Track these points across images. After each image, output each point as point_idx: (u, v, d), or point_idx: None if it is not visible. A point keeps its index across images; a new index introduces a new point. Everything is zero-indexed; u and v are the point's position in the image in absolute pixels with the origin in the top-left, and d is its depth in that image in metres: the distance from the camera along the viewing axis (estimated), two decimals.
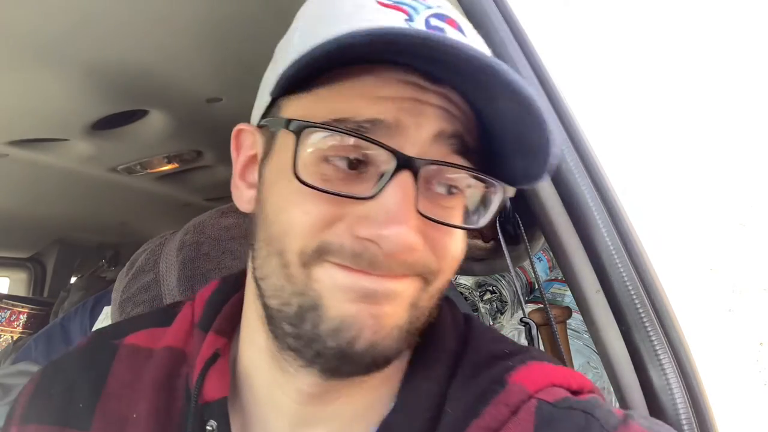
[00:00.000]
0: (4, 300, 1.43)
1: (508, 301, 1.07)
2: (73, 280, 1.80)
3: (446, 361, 0.40)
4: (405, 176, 0.32)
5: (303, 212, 0.33)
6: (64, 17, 0.51)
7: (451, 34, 0.35)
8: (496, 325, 1.04)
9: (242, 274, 0.45)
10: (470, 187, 0.36)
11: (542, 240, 0.68)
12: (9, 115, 0.79)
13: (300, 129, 0.33)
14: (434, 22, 0.34)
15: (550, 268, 1.11)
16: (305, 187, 0.32)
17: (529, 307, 0.94)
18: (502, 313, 1.07)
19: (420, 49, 0.29)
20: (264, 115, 0.39)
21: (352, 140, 0.32)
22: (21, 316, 1.45)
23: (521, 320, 0.63)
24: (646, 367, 0.48)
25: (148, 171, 1.10)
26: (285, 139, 0.35)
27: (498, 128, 0.35)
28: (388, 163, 0.32)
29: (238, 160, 0.42)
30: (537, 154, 0.32)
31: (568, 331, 0.76)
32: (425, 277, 0.35)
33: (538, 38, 0.53)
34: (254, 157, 0.41)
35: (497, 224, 0.63)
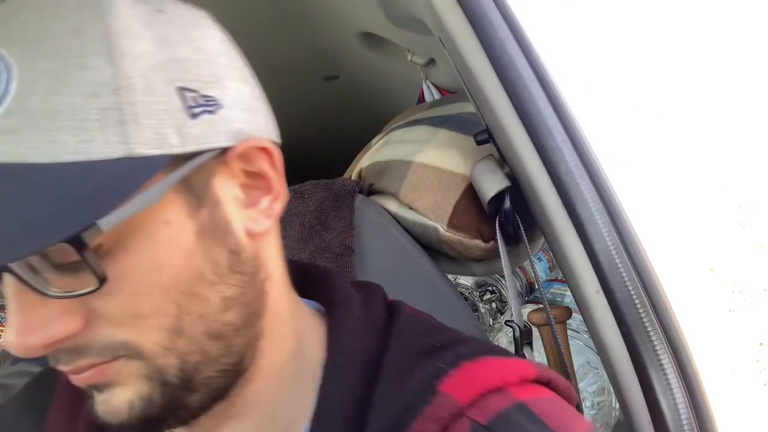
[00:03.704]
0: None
1: (508, 302, 1.07)
2: None
3: (361, 364, 0.37)
4: None
5: None
6: None
7: None
8: (496, 326, 1.04)
9: None
10: None
11: (542, 240, 0.68)
12: None
13: None
14: None
15: (550, 268, 1.11)
16: None
17: (529, 307, 0.95)
18: (502, 313, 1.07)
19: None
20: None
21: None
22: None
23: (506, 322, 0.63)
24: (646, 367, 0.48)
25: None
26: None
27: None
28: None
29: None
30: None
31: (568, 331, 0.76)
32: None
33: (538, 38, 0.53)
34: None
35: (497, 224, 0.63)
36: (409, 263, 0.69)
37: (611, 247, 0.49)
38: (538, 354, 0.75)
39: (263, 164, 0.36)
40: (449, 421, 0.34)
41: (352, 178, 0.82)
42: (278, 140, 0.40)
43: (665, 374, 0.47)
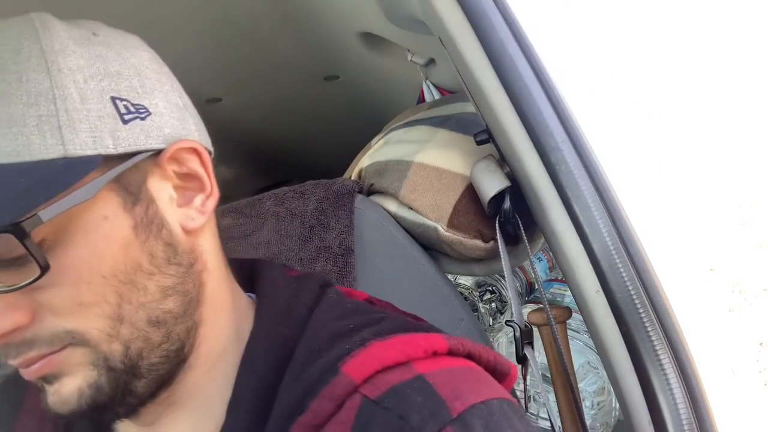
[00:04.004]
0: None
1: (508, 302, 1.07)
2: None
3: (275, 351, 0.39)
4: None
5: None
6: (65, 18, 0.51)
7: None
8: (496, 326, 1.04)
9: None
10: None
11: (542, 240, 0.68)
12: None
13: None
14: None
15: (550, 268, 1.11)
16: None
17: (529, 307, 0.94)
18: (501, 313, 1.07)
19: None
20: None
21: None
22: None
23: (506, 322, 0.63)
24: (646, 367, 0.48)
25: None
26: None
27: None
28: None
29: None
30: None
31: (568, 331, 0.76)
32: None
33: (538, 38, 0.53)
34: None
35: (497, 224, 0.63)
36: (409, 263, 0.69)
37: (611, 247, 0.49)
38: (538, 354, 0.75)
39: (194, 164, 0.39)
40: (344, 399, 0.35)
41: (352, 178, 0.82)
42: (210, 148, 0.43)
43: (665, 374, 0.47)
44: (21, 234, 0.29)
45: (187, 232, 0.39)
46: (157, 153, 0.37)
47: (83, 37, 0.36)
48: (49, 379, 0.35)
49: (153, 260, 0.36)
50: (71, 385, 0.34)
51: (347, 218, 0.71)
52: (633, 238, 0.50)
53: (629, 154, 0.61)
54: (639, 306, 0.48)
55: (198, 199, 0.40)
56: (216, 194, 0.41)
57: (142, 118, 0.36)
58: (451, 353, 0.39)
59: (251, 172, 1.55)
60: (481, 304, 1.08)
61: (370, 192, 0.78)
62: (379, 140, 0.83)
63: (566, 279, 0.54)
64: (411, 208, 0.70)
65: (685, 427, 0.46)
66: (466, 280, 1.09)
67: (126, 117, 0.35)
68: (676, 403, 0.47)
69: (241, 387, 0.38)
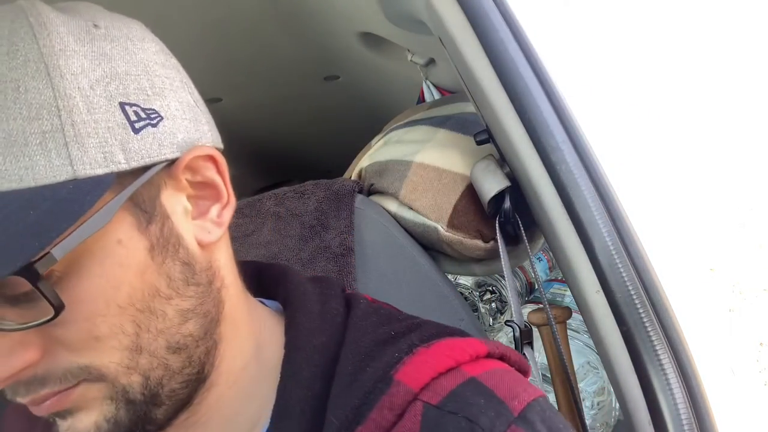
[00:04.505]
0: None
1: (508, 302, 1.07)
2: None
3: (318, 359, 0.37)
4: None
5: None
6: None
7: None
8: (496, 326, 1.04)
9: None
10: None
11: (542, 240, 0.68)
12: None
13: None
14: None
15: (550, 268, 1.11)
16: None
17: (529, 307, 0.95)
18: (502, 313, 1.07)
19: None
20: None
21: None
22: None
23: (506, 322, 0.63)
24: (646, 367, 0.48)
25: None
26: None
27: None
28: None
29: None
30: None
31: (568, 331, 0.76)
32: None
33: (538, 38, 0.53)
34: None
35: (497, 224, 0.63)
36: (409, 263, 0.69)
37: (611, 247, 0.49)
38: (538, 354, 0.75)
39: (210, 173, 0.36)
40: (404, 408, 0.34)
41: (352, 178, 0.82)
42: (221, 146, 0.39)
43: (665, 374, 0.47)
44: (33, 276, 0.26)
45: (203, 246, 0.36)
46: (171, 162, 0.33)
47: (83, 31, 0.31)
48: (63, 414, 0.32)
49: (171, 283, 0.33)
50: (87, 421, 0.32)
51: (347, 218, 0.71)
52: (633, 238, 0.50)
53: (629, 154, 0.61)
54: (639, 306, 0.48)
55: (214, 210, 0.36)
56: (233, 203, 0.37)
57: (154, 125, 0.32)
58: (488, 356, 0.39)
59: (251, 172, 1.55)
60: (481, 304, 1.08)
61: (371, 192, 0.78)
62: (379, 140, 0.83)
63: (566, 279, 0.54)
64: (411, 208, 0.70)
65: (685, 427, 0.46)
66: (466, 280, 1.09)
67: (137, 125, 0.31)
68: (676, 403, 0.47)
69: (287, 398, 0.36)
